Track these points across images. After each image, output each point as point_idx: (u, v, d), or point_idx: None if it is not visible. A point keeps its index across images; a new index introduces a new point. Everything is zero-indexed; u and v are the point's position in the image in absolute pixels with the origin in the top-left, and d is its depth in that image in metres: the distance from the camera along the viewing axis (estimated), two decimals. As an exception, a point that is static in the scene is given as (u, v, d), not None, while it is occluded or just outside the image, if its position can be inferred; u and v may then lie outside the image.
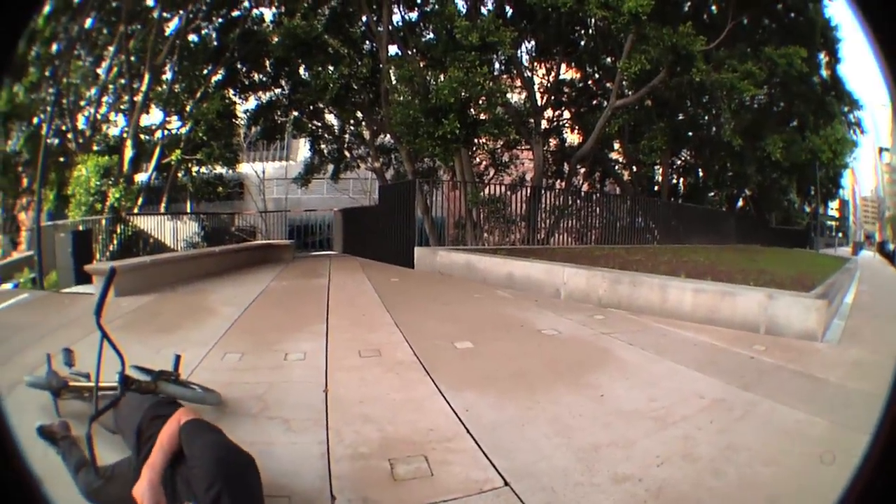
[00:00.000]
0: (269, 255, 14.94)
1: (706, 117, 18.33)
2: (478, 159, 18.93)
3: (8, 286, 12.38)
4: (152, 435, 2.23)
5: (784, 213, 23.74)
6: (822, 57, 18.80)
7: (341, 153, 21.42)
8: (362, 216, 16.97)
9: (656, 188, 19.88)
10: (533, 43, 17.59)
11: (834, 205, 26.21)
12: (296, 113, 19.90)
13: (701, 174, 21.19)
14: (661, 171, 19.36)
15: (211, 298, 7.74)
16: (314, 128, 20.81)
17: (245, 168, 28.02)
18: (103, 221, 12.70)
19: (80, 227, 12.59)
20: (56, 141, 19.70)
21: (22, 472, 1.14)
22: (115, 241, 12.61)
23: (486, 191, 14.43)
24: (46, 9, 16.80)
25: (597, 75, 18.58)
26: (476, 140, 12.48)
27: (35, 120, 19.22)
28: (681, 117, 18.11)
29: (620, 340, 4.84)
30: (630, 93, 14.70)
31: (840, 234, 28.05)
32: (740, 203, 22.51)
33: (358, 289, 8.73)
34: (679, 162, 20.87)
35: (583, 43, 17.18)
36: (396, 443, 2.98)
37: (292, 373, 4.34)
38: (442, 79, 12.27)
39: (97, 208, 13.13)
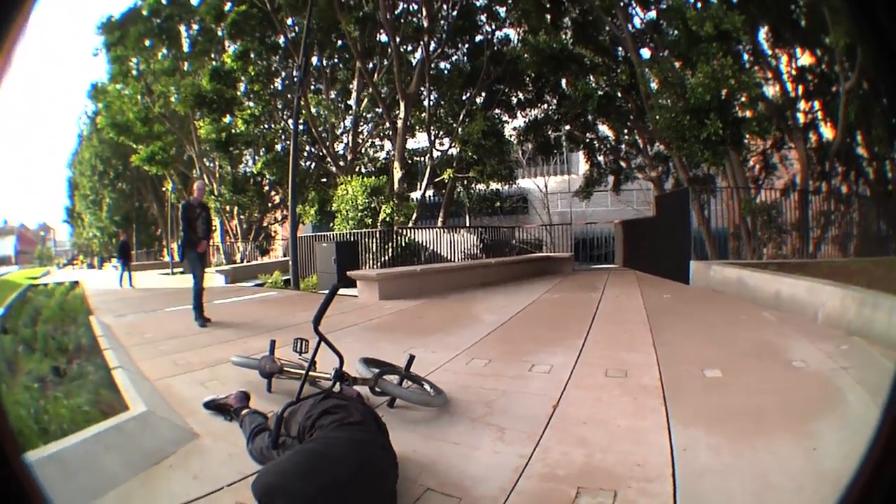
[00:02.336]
0: (547, 267, 15.55)
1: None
2: (752, 162, 17.22)
3: (249, 284, 14.53)
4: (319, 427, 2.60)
5: None
6: None
7: (619, 164, 21.23)
8: (641, 228, 16.65)
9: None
10: (766, 29, 15.52)
11: None
12: (567, 127, 20.19)
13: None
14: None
15: (478, 307, 8.32)
16: (588, 140, 20.90)
17: (527, 183, 29.54)
18: (378, 234, 14.14)
19: (348, 239, 14.27)
20: (312, 164, 23.28)
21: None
22: (387, 253, 13.98)
23: (759, 197, 13.08)
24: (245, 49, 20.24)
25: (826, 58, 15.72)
26: (744, 140, 11.38)
27: (278, 147, 23.04)
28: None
29: (852, 379, 4.09)
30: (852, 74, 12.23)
31: None
32: None
33: (628, 304, 8.74)
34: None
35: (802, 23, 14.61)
36: (597, 472, 2.89)
37: (530, 384, 4.47)
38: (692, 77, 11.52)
39: (367, 222, 14.82)
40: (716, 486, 2.71)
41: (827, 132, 16.71)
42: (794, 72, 16.34)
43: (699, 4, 12.67)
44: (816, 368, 4.55)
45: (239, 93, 21.81)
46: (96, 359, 5.22)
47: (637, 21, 15.87)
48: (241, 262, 25.66)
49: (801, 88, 16.62)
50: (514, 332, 6.65)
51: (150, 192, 41.36)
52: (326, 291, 3.34)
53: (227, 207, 26.21)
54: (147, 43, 25.27)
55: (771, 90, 15.96)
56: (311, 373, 3.54)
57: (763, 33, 15.85)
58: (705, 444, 3.19)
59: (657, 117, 12.65)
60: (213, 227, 11.75)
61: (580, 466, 2.97)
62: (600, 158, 21.36)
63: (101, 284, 19.71)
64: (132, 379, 4.31)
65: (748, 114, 12.56)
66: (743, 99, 11.84)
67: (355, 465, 2.29)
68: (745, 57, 15.53)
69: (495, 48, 19.08)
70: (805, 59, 16.46)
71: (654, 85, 13.38)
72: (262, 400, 3.90)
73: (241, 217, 27.38)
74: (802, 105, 16.85)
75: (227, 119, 21.91)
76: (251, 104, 21.95)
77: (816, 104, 16.58)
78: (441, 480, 2.80)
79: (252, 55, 20.62)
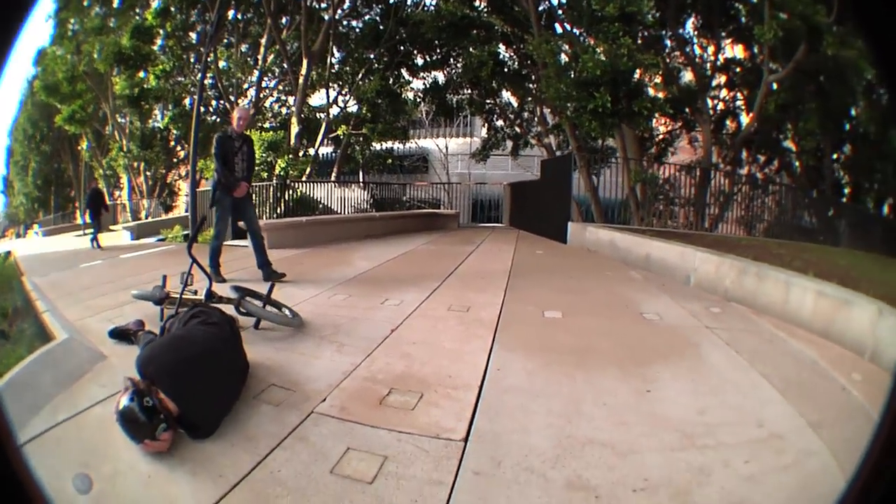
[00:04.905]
0: (433, 223, 15.91)
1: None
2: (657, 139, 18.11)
3: (152, 240, 14.40)
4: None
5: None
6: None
7: (516, 130, 21.80)
8: (527, 190, 17.17)
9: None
10: (698, 19, 16.39)
11: None
12: (469, 91, 20.44)
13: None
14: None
15: (355, 255, 8.58)
16: (490, 105, 21.29)
17: (428, 143, 29.72)
18: (270, 189, 14.38)
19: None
20: (217, 119, 22.55)
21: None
22: (281, 205, 14.25)
23: (651, 170, 13.82)
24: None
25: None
26: (636, 116, 11.95)
27: (186, 102, 22.25)
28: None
29: (719, 339, 4.29)
30: (779, 68, 13.26)
31: None
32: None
33: (497, 257, 9.17)
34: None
35: (743, 19, 15.58)
36: (411, 379, 3.34)
37: (378, 314, 4.91)
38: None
39: (263, 177, 14.85)
40: (519, 403, 3.03)
41: (747, 121, 17.83)
42: (720, 62, 17.18)
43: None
44: (672, 323, 4.83)
45: (156, 48, 21.40)
46: (31, 316, 5.72)
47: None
48: (146, 218, 25.15)
49: (723, 77, 17.55)
50: (379, 274, 7.05)
51: (66, 153, 39.44)
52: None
53: (135, 164, 25.78)
54: (86, 2, 24.69)
55: (689, 76, 16.69)
56: (188, 295, 4.14)
57: (691, 23, 16.64)
58: (521, 368, 3.57)
59: (545, 87, 13.12)
60: (256, 165, 9.72)
61: (398, 374, 3.45)
62: (499, 123, 21.87)
63: (27, 251, 19.09)
64: (57, 318, 4.79)
65: (661, 95, 13.15)
66: (637, 77, 12.33)
67: (207, 348, 2.98)
68: (668, 43, 16.35)
69: (407, 10, 19.09)
70: (738, 51, 17.35)
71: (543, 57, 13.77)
72: (156, 326, 4.18)
73: (147, 174, 26.65)
74: (725, 94, 17.92)
75: (141, 74, 21.42)
76: (164, 58, 21.36)
77: (739, 94, 17.61)
78: (283, 379, 3.31)
79: (172, 9, 20.19)
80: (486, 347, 3.94)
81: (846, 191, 17.30)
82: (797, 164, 17.12)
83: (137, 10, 23.09)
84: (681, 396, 3.16)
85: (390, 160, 21.16)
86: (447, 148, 30.20)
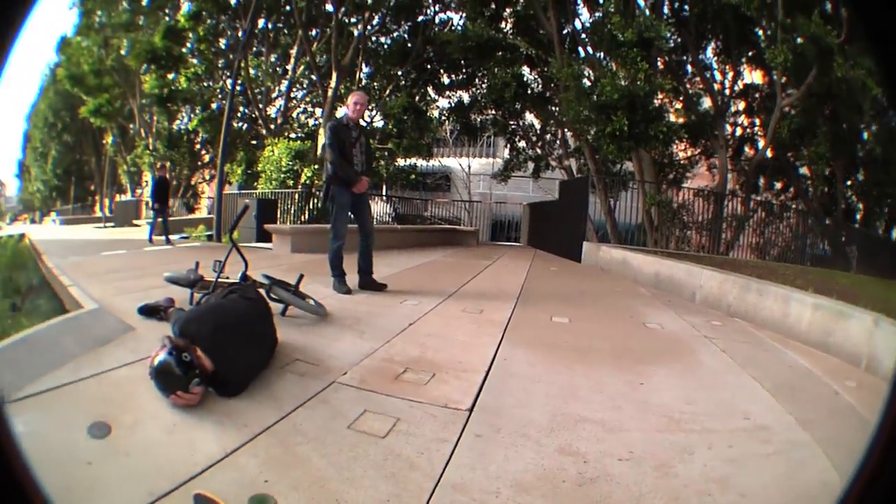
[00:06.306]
0: (453, 238, 16.19)
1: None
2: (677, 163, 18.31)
3: (175, 237, 14.27)
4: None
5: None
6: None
7: (538, 152, 22.12)
8: (545, 211, 17.55)
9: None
10: (718, 44, 16.76)
11: None
12: (493, 112, 20.80)
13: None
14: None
15: (376, 261, 8.75)
16: (513, 126, 21.70)
17: (451, 162, 30.14)
18: (296, 196, 14.94)
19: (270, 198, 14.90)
20: (244, 125, 23.41)
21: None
22: (305, 213, 14.75)
23: (666, 194, 14.05)
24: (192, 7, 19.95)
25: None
26: (653, 140, 12.20)
27: (214, 106, 23.02)
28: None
29: (716, 346, 4.56)
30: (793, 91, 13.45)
31: None
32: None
33: (512, 271, 9.54)
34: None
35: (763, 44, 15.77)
36: (425, 362, 3.63)
37: (396, 310, 5.23)
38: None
39: (288, 184, 15.39)
40: (521, 385, 3.32)
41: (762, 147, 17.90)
42: (739, 87, 17.52)
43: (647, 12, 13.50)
44: (671, 332, 5.09)
45: (185, 50, 21.79)
46: (47, 292, 6.12)
47: (581, 21, 16.67)
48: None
49: (742, 104, 17.84)
50: (399, 279, 7.29)
51: (90, 146, 40.21)
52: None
53: (159, 163, 26.12)
54: None
55: (708, 102, 16.95)
56: (222, 279, 4.39)
57: (711, 49, 16.98)
58: (525, 359, 3.90)
59: (566, 110, 13.52)
60: (375, 158, 8.00)
61: (414, 358, 3.74)
62: (521, 144, 22.19)
63: (44, 236, 19.56)
64: (84, 291, 5.11)
65: (681, 120, 13.38)
66: (657, 102, 12.63)
67: (243, 316, 3.30)
68: (689, 69, 16.84)
69: (435, 29, 19.59)
70: (757, 77, 17.59)
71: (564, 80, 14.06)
72: (187, 307, 4.45)
73: (172, 173, 27.40)
74: (743, 119, 18.15)
75: (171, 75, 21.86)
76: (196, 61, 21.88)
77: (757, 120, 17.80)
78: (308, 356, 3.60)
79: (204, 14, 20.50)
80: (494, 342, 4.22)
81: (858, 216, 17.37)
82: (811, 190, 17.18)
83: (167, 11, 23.63)
84: (672, 390, 3.39)
85: (414, 176, 21.54)
86: (469, 167, 30.69)
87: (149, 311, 4.29)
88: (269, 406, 2.78)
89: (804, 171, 17.30)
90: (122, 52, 24.90)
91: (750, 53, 16.32)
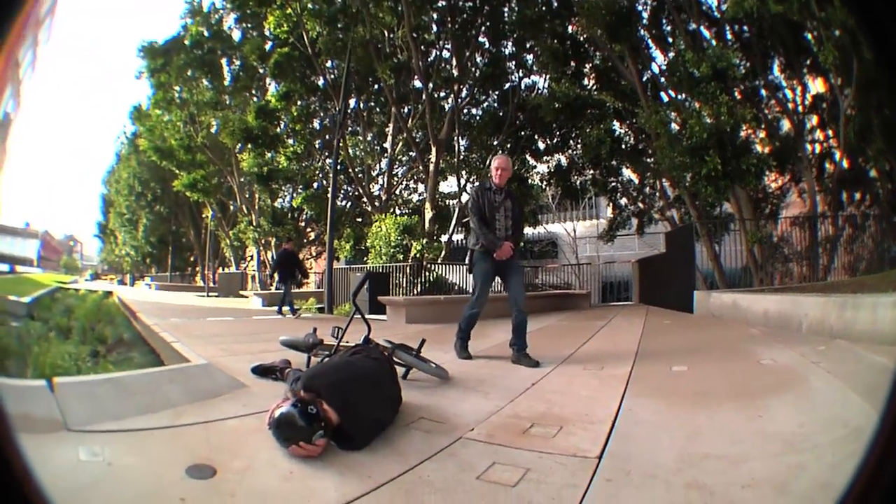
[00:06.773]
0: (566, 302, 16.38)
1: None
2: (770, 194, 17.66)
3: (286, 308, 13.72)
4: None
5: None
6: None
7: (639, 207, 21.93)
8: (654, 265, 17.35)
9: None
10: (782, 60, 16.08)
11: None
12: (592, 171, 20.97)
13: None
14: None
15: (491, 329, 8.91)
16: (613, 184, 21.66)
17: (556, 227, 30.37)
18: (407, 269, 15.25)
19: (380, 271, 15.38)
20: (347, 203, 24.28)
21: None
22: (417, 286, 14.97)
23: (766, 229, 13.61)
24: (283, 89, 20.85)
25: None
26: (746, 175, 11.96)
27: (315, 184, 23.80)
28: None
29: (822, 369, 4.57)
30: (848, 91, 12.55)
31: None
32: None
33: (628, 329, 9.60)
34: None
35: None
36: (551, 417, 3.69)
37: (518, 373, 5.37)
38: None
39: (398, 258, 15.80)
40: (646, 431, 3.35)
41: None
42: (808, 102, 16.59)
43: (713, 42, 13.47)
44: (784, 364, 5.09)
45: (279, 130, 22.99)
46: (141, 348, 6.44)
47: (658, 65, 16.74)
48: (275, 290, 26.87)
49: (815, 118, 16.88)
50: None
51: (187, 218, 41.84)
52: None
53: (263, 240, 27.32)
54: (189, 73, 25.95)
55: (787, 124, 16.38)
56: (343, 345, 4.57)
57: (777, 66, 16.41)
58: (649, 407, 3.89)
59: (660, 159, 13.50)
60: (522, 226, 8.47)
61: (540, 413, 3.80)
62: (623, 202, 22.07)
63: (133, 296, 21.24)
64: (190, 349, 5.45)
65: (767, 149, 13.13)
66: (744, 135, 12.41)
67: (369, 374, 3.42)
68: (763, 93, 16.26)
69: (522, 95, 20.09)
70: (819, 85, 16.64)
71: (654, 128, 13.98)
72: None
73: (277, 249, 28.59)
74: (819, 135, 17.10)
75: (268, 154, 23.07)
76: (292, 141, 23.11)
77: (830, 132, 16.64)
78: (433, 414, 3.73)
79: (294, 95, 21.68)
80: (618, 395, 4.24)
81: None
82: (880, 191, 15.99)
83: (253, 91, 24.78)
84: (786, 416, 3.46)
85: (521, 244, 21.71)
86: (575, 231, 30.63)
87: (263, 371, 4.49)
88: (394, 460, 2.85)
89: (873, 173, 16.12)
90: (212, 129, 25.90)
91: (808, 62, 15.54)
